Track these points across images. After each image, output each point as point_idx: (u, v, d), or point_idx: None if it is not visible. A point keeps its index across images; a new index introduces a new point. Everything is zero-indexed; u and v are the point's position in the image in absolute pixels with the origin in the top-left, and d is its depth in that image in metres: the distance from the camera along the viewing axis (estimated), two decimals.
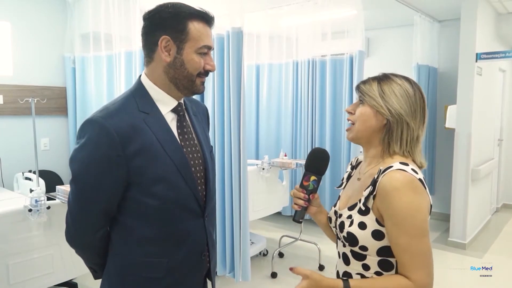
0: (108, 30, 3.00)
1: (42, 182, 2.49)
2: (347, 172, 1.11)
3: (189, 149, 1.04)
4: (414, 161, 0.94)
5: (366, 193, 0.91)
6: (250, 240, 2.93)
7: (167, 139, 0.99)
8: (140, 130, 0.95)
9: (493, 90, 4.17)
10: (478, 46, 3.46)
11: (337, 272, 1.02)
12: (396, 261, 0.90)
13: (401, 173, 0.86)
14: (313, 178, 1.02)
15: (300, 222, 1.04)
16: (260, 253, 3.28)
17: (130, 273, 1.01)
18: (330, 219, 1.05)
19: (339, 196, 1.07)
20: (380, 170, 0.90)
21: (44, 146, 3.19)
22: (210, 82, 2.62)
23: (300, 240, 3.19)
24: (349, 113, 0.99)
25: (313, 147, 1.06)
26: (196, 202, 1.03)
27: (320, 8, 3.33)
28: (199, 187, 1.04)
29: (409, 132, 0.93)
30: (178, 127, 1.03)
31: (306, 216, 1.08)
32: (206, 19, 1.00)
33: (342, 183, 1.10)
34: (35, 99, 2.68)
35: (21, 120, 3.01)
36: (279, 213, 3.76)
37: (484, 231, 4.00)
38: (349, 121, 0.98)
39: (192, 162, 1.03)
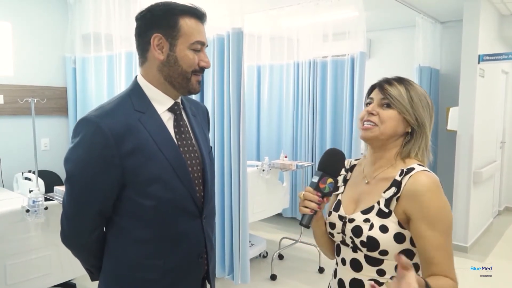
0: (108, 30, 3.00)
1: (41, 182, 2.49)
2: (341, 175, 1.06)
3: (186, 148, 1.02)
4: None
5: (386, 195, 0.89)
6: (250, 241, 2.92)
7: (163, 139, 0.98)
8: (135, 130, 0.94)
9: (495, 92, 4.15)
10: (481, 47, 3.43)
11: (340, 280, 0.97)
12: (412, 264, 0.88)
13: (426, 174, 0.88)
14: (330, 180, 0.95)
15: (309, 227, 0.97)
16: (259, 255, 3.27)
17: (126, 274, 0.99)
18: (331, 225, 0.99)
19: (339, 201, 1.01)
20: (403, 170, 0.90)
21: (44, 146, 3.19)
22: (210, 83, 2.61)
23: (300, 242, 3.17)
24: (371, 114, 0.94)
25: (320, 152, 0.99)
26: (193, 203, 1.01)
27: (321, 9, 3.32)
28: (197, 188, 1.02)
29: (425, 142, 0.95)
30: (175, 127, 1.02)
31: None
32: (197, 15, 1.00)
33: (338, 187, 1.05)
34: (35, 99, 2.68)
35: (22, 120, 3.01)
36: (279, 215, 3.75)
37: (486, 234, 3.97)
38: (370, 123, 0.93)
39: (189, 162, 1.01)
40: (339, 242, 0.99)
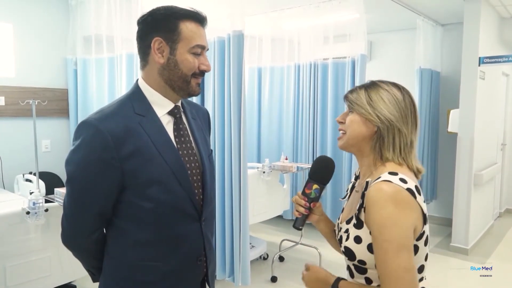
0: (110, 32, 3.00)
1: (42, 184, 2.48)
2: (351, 182, 1.08)
3: (185, 152, 1.03)
4: (409, 167, 0.92)
5: (357, 206, 0.90)
6: (250, 243, 2.92)
7: (162, 141, 0.99)
8: (135, 133, 0.95)
9: (496, 94, 4.15)
10: (481, 50, 3.44)
11: None
12: None
13: (387, 184, 0.84)
14: (315, 186, 1.00)
15: (300, 229, 1.02)
16: (260, 256, 3.26)
17: (125, 276, 1.00)
18: (335, 232, 1.03)
19: (343, 209, 1.05)
20: (368, 182, 0.89)
21: (45, 148, 3.19)
22: (210, 85, 2.62)
23: (301, 244, 3.17)
24: (340, 122, 0.98)
25: (320, 155, 1.09)
26: (192, 205, 1.02)
27: (322, 12, 3.32)
28: (196, 191, 1.03)
29: (401, 138, 0.91)
30: (174, 130, 1.03)
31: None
32: (198, 19, 1.01)
33: (347, 194, 1.07)
34: (36, 101, 2.68)
35: (23, 121, 3.01)
36: (280, 217, 3.74)
37: (486, 237, 3.96)
38: (341, 131, 0.98)
39: (188, 165, 1.02)
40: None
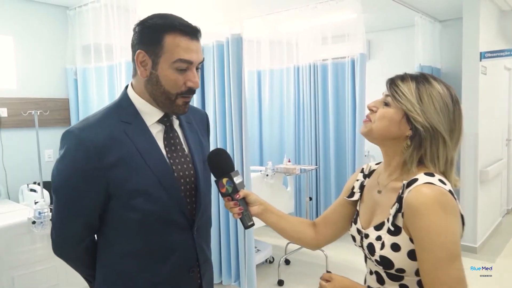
0: (108, 41, 3.02)
1: (46, 193, 2.49)
2: (358, 180, 1.00)
3: (177, 160, 1.00)
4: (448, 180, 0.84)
5: (393, 211, 0.83)
6: (256, 247, 2.90)
7: (149, 150, 0.95)
8: (119, 141, 0.92)
9: (499, 89, 4.11)
10: (482, 44, 3.41)
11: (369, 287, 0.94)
12: None
13: (429, 187, 0.77)
14: (225, 180, 0.97)
15: (251, 226, 1.00)
16: (266, 260, 3.24)
17: (116, 285, 0.99)
18: (353, 238, 0.96)
19: (358, 212, 0.96)
20: (404, 184, 0.82)
21: (48, 157, 3.20)
22: (211, 89, 2.62)
23: None
24: (370, 110, 0.89)
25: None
26: (182, 214, 0.98)
27: (320, 12, 3.33)
28: (188, 199, 1.00)
29: (440, 150, 0.82)
30: (164, 139, 0.99)
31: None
32: (186, 31, 0.92)
33: (353, 192, 0.99)
34: (38, 111, 2.70)
35: (25, 132, 3.03)
36: None
37: (495, 234, 3.91)
38: (367, 118, 0.89)
39: (181, 173, 0.99)
40: (364, 254, 0.95)
